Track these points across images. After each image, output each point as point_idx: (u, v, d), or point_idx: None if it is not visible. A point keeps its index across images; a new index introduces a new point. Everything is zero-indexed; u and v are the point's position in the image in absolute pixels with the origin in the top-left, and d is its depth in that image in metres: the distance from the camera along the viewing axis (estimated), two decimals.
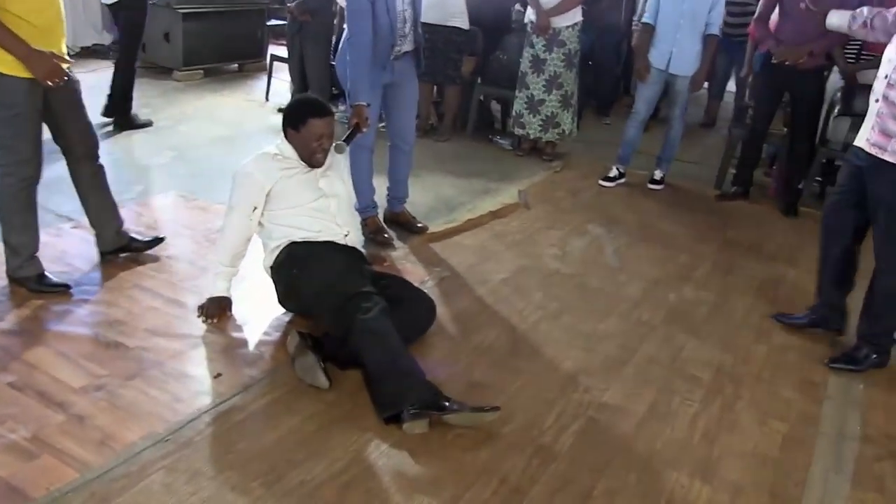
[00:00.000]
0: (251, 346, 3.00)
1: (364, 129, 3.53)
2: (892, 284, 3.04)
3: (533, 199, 4.96)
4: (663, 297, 3.68)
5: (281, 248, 3.08)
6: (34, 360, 2.78)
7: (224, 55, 7.76)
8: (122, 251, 3.57)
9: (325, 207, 3.13)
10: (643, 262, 4.07)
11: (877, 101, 2.96)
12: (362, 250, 3.75)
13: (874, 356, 3.12)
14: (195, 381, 2.72)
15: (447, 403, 2.54)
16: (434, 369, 2.88)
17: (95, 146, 3.38)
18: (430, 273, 3.74)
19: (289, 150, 3.11)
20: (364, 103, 3.59)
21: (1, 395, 2.58)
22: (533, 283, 3.72)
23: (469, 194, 4.92)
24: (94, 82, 3.26)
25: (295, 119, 3.06)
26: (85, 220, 3.57)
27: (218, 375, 2.77)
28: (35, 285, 3.25)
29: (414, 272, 3.74)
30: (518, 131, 5.90)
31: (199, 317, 3.14)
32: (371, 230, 4.07)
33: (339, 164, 3.28)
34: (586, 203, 5.00)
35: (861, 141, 3.04)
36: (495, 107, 7.02)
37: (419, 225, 4.24)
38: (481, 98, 6.56)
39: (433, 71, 6.06)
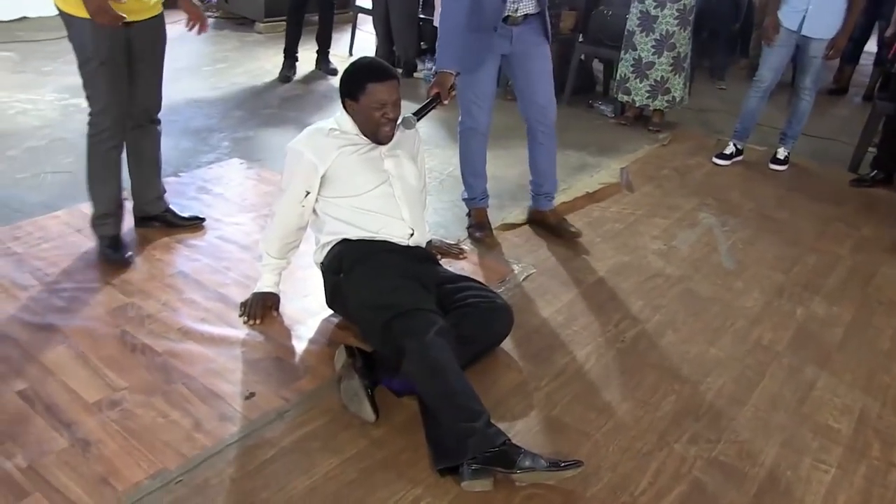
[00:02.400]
0: (295, 358, 2.58)
1: (445, 102, 2.97)
2: None
3: (635, 177, 4.37)
4: (789, 312, 3.07)
5: (332, 244, 2.63)
6: (52, 364, 2.45)
7: (309, 5, 7.29)
8: (157, 220, 3.32)
9: (389, 194, 2.64)
10: (763, 264, 3.44)
11: None
12: (441, 241, 3.29)
13: None
14: (223, 403, 2.32)
15: (517, 457, 2.05)
16: (504, 400, 2.41)
17: (158, 105, 3.15)
18: (513, 269, 3.23)
19: (348, 123, 2.62)
20: (450, 71, 3.01)
21: (7, 406, 2.26)
22: (632, 287, 3.17)
23: (563, 171, 4.33)
24: (178, 33, 2.96)
25: (352, 86, 2.55)
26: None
27: (250, 395, 2.36)
28: (104, 248, 3.09)
29: (495, 268, 3.23)
30: (622, 97, 5.27)
31: (240, 316, 2.75)
32: (474, 223, 3.54)
33: (409, 142, 2.77)
34: (697, 185, 4.36)
35: None
36: (597, 67, 6.37)
37: (572, 229, 3.54)
38: (582, 58, 5.93)
39: None
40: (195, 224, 3.38)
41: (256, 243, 3.19)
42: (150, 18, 2.92)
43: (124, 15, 2.71)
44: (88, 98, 2.89)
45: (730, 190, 4.30)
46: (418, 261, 2.64)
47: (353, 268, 2.52)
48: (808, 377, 2.66)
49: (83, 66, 2.82)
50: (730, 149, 4.73)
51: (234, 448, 2.15)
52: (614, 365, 2.65)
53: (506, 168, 4.26)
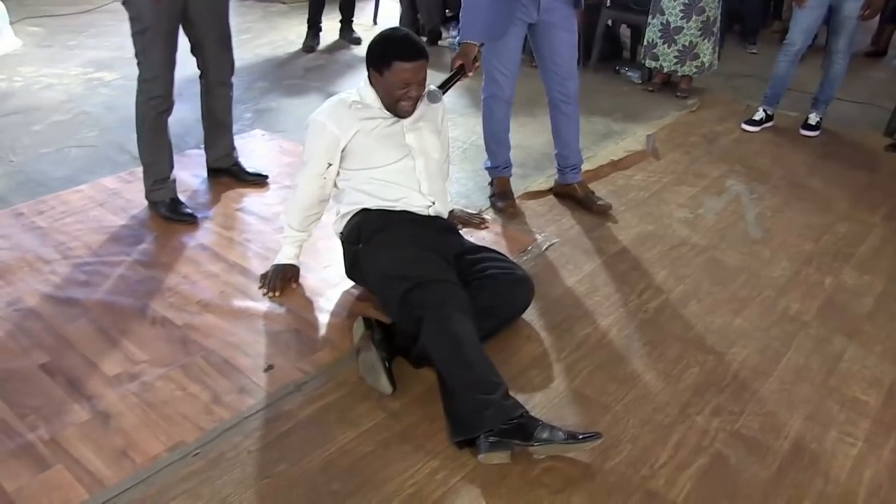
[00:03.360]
0: (314, 330, 2.57)
1: (469, 74, 2.89)
2: None
3: (662, 145, 4.28)
4: (817, 281, 2.99)
5: (351, 214, 2.61)
6: (74, 337, 2.47)
7: None
8: (226, 174, 3.53)
9: (409, 169, 2.60)
10: (792, 233, 3.36)
11: None
12: (462, 210, 3.26)
13: None
14: (241, 376, 2.32)
15: (535, 429, 2.03)
16: (524, 372, 2.39)
17: (228, 70, 3.30)
18: (535, 239, 3.19)
19: (370, 95, 2.56)
20: (474, 42, 2.96)
21: (30, 379, 2.29)
22: (656, 257, 3.11)
23: (588, 138, 4.28)
24: None
25: (378, 59, 2.47)
26: None
27: (269, 368, 2.36)
28: (166, 211, 3.20)
29: (517, 238, 3.19)
30: (650, 63, 5.16)
31: (260, 288, 2.75)
32: (496, 192, 3.49)
33: (433, 113, 2.71)
34: (724, 152, 4.26)
35: None
36: (624, 33, 6.25)
37: (600, 202, 3.45)
38: (609, 24, 5.81)
39: None
40: (259, 181, 3.54)
41: (277, 215, 3.18)
42: None
43: None
44: (140, 65, 2.97)
45: (759, 157, 4.20)
46: (438, 231, 2.61)
47: (372, 238, 2.50)
48: (836, 348, 2.60)
49: (138, 35, 2.91)
50: (759, 115, 4.61)
51: (251, 421, 2.15)
52: (636, 336, 2.61)
53: (531, 136, 4.21)
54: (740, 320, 2.72)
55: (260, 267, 2.86)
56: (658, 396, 2.32)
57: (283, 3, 6.94)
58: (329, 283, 2.81)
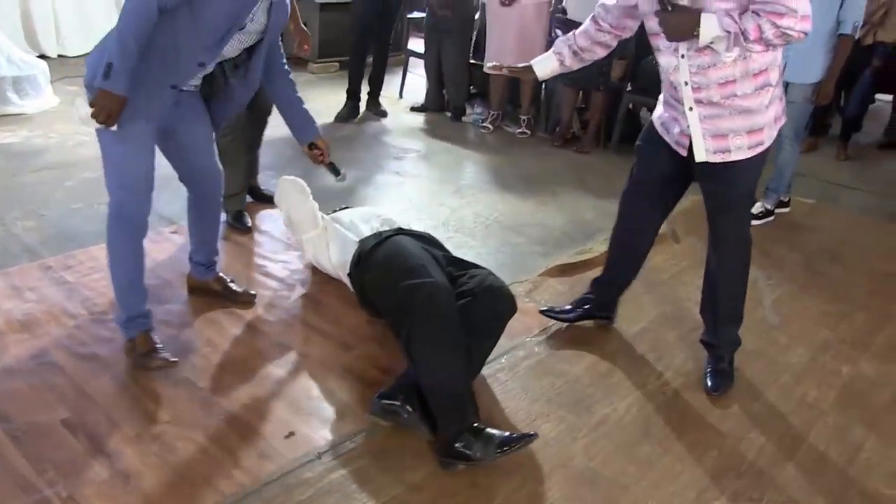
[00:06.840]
0: (336, 398, 2.58)
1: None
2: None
3: (681, 228, 4.33)
4: (834, 369, 3.00)
5: (354, 251, 2.95)
6: (96, 394, 2.50)
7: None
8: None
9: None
10: (809, 320, 3.38)
11: (690, 109, 2.54)
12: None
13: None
14: (262, 441, 2.33)
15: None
16: (542, 450, 2.39)
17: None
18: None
19: None
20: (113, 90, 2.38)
21: (51, 434, 2.31)
22: (675, 339, 3.13)
23: (609, 218, 4.27)
24: None
25: None
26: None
27: (290, 435, 2.37)
28: (230, 221, 3.78)
29: (538, 315, 3.21)
30: None
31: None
32: (141, 351, 2.67)
33: None
34: None
35: (701, 155, 2.58)
36: (645, 116, 6.37)
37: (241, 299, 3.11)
38: (630, 107, 5.94)
39: (577, 74, 5.52)
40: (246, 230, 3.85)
41: (298, 282, 3.24)
42: None
43: None
44: None
45: (776, 243, 4.24)
46: (427, 241, 2.98)
47: (370, 254, 2.81)
48: (856, 438, 2.59)
49: None
50: (758, 208, 4.57)
51: (271, 487, 2.16)
52: (655, 418, 2.61)
53: (552, 215, 4.27)
54: (758, 406, 2.72)
55: (283, 334, 2.91)
56: (677, 479, 2.32)
57: (312, 73, 7.12)
58: (350, 351, 2.83)
